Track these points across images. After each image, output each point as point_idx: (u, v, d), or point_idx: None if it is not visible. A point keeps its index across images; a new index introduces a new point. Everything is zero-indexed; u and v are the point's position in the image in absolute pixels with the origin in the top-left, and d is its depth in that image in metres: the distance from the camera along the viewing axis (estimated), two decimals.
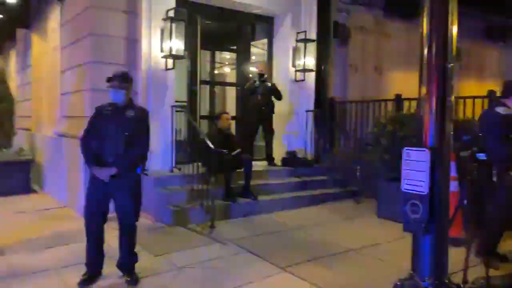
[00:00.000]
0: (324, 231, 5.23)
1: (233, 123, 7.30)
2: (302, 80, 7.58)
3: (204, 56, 8.01)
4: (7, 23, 8.91)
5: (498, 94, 4.43)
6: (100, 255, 3.58)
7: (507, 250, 4.19)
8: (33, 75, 8.68)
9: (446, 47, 2.43)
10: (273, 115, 7.21)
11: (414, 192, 2.37)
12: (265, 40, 8.22)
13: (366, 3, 9.00)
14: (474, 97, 5.96)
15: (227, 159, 5.56)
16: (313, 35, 7.59)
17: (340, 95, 8.48)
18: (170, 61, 6.05)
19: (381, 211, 5.87)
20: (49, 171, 7.19)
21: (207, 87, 8.36)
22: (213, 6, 6.99)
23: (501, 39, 11.33)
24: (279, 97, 7.13)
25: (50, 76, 7.39)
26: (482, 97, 5.83)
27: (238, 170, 6.00)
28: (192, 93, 7.05)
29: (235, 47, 8.45)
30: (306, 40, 7.38)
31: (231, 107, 8.65)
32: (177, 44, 5.87)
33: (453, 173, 4.05)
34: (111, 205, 3.61)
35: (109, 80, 3.53)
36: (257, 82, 7.12)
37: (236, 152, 5.81)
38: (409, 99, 6.67)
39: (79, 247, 4.02)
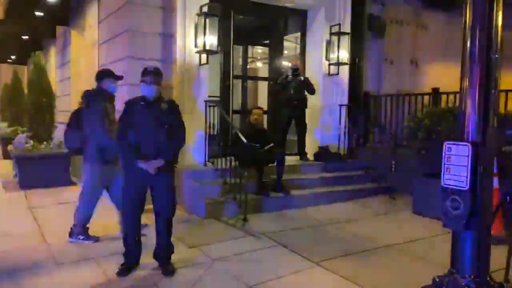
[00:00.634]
0: (357, 227, 5.17)
1: (265, 118, 7.30)
2: (336, 74, 7.49)
3: (236, 51, 8.04)
4: (48, 21, 9.23)
5: None
6: (138, 245, 3.68)
7: None
8: (72, 70, 8.97)
9: (490, 37, 2.33)
10: (306, 109, 7.16)
11: (454, 187, 2.30)
12: (298, 34, 8.17)
13: None
14: None
15: (259, 153, 5.59)
16: (347, 28, 7.48)
17: (375, 89, 8.32)
18: (203, 56, 6.11)
19: (417, 207, 5.75)
20: None
21: (240, 81, 8.40)
22: (246, 0, 7.00)
23: None
24: (312, 91, 7.07)
25: (88, 72, 7.60)
26: None
27: (270, 164, 6.01)
28: (225, 88, 7.11)
29: (267, 41, 8.45)
30: (340, 33, 7.28)
31: (263, 102, 8.66)
32: (211, 39, 5.91)
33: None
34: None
35: (142, 75, 3.59)
36: (290, 77, 7.08)
37: (268, 146, 5.82)
38: (447, 93, 6.48)
39: (117, 238, 4.14)
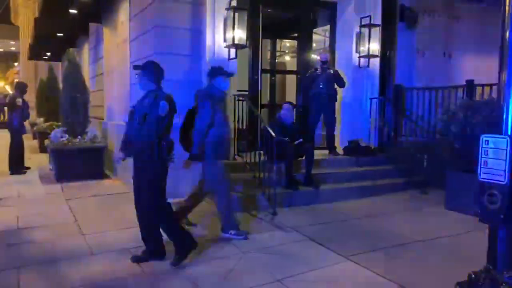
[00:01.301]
0: (388, 222, 5.10)
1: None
2: (366, 67, 7.38)
3: (265, 45, 8.03)
4: (81, 18, 9.46)
5: None
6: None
7: None
8: (104, 66, 9.19)
9: None
10: (335, 103, 7.10)
11: (492, 181, 2.24)
12: (327, 27, 8.10)
13: None
14: None
15: (288, 147, 5.58)
16: (377, 19, 7.35)
17: (406, 82, 8.15)
18: (232, 51, 6.13)
19: (450, 203, 5.62)
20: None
21: (268, 75, 8.40)
22: None
23: None
24: (342, 84, 7.00)
25: (121, 68, 7.78)
26: None
27: (299, 158, 6.00)
28: (253, 82, 7.12)
29: (296, 35, 8.40)
30: (370, 25, 7.17)
31: (291, 96, 8.63)
32: (240, 34, 5.93)
33: None
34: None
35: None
36: (319, 70, 7.03)
37: (298, 141, 5.81)
38: (483, 85, 6.28)
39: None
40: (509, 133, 2.29)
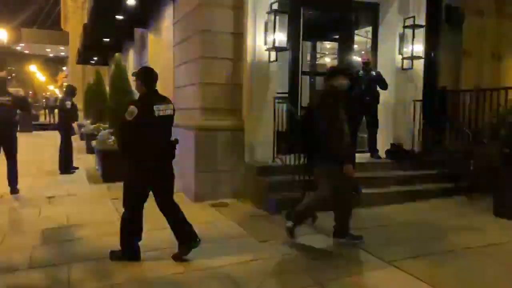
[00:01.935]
0: (431, 228, 4.96)
1: None
2: (410, 69, 7.20)
3: (305, 47, 8.01)
4: (127, 24, 9.81)
5: None
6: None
7: None
8: None
9: None
10: (377, 105, 6.98)
11: None
12: (369, 28, 7.97)
13: None
14: None
15: None
16: (422, 20, 7.16)
17: (452, 84, 7.89)
18: (273, 54, 6.17)
19: (498, 209, 5.39)
20: None
21: (308, 77, 8.36)
22: None
23: None
24: (384, 86, 6.88)
25: (165, 72, 7.98)
26: None
27: None
28: (293, 84, 7.11)
29: (337, 36, 8.32)
30: (414, 26, 6.99)
31: None
32: (280, 36, 5.96)
33: None
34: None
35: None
36: (361, 72, 6.94)
37: None
38: None
39: (194, 228, 4.30)
40: None
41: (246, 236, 4.54)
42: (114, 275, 3.54)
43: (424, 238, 4.55)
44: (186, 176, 6.37)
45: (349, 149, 4.13)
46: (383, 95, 7.00)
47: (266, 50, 6.16)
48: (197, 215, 5.33)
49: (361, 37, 9.38)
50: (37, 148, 12.63)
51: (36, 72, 53.15)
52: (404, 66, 7.21)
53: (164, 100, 3.80)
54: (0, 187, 6.52)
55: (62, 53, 34.15)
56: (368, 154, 7.01)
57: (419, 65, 7.30)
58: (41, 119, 27.67)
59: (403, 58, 7.19)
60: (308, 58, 9.23)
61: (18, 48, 33.95)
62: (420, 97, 7.28)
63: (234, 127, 6.17)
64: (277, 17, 5.92)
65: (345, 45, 7.87)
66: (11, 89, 8.51)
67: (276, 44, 5.96)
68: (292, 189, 5.62)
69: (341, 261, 3.89)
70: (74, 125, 9.42)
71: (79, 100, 13.65)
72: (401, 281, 3.48)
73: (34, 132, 18.55)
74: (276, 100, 6.15)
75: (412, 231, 4.84)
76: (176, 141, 3.94)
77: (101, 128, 10.23)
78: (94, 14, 9.43)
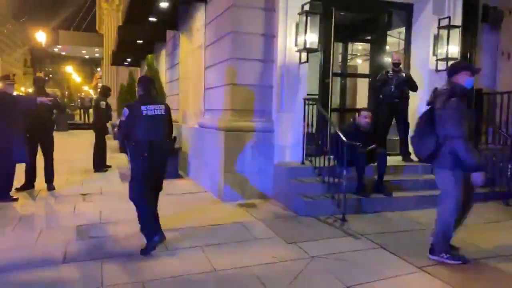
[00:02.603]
0: (465, 233, 4.77)
1: None
2: (444, 70, 7.00)
3: (336, 48, 7.94)
4: (159, 25, 10.00)
5: None
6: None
7: None
8: (180, 72, 9.61)
9: None
10: (408, 107, 6.84)
11: None
12: (402, 29, 7.83)
13: None
14: None
15: (360, 153, 5.47)
16: (457, 20, 6.97)
17: (488, 86, 7.65)
18: (304, 55, 6.15)
19: None
20: (193, 159, 7.92)
21: (339, 79, 8.28)
22: None
23: None
24: (414, 88, 6.75)
25: (195, 73, 8.10)
26: None
27: (371, 164, 5.85)
28: (324, 86, 7.06)
29: (369, 37, 8.21)
30: (449, 27, 6.81)
31: (363, 100, 8.44)
32: (312, 37, 5.93)
33: None
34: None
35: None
36: (391, 73, 6.82)
37: (371, 147, 5.67)
38: None
39: (222, 228, 4.36)
40: None
41: (274, 237, 4.54)
42: (145, 271, 3.61)
43: (456, 244, 4.41)
44: (215, 176, 6.43)
45: (480, 155, 3.71)
46: (416, 96, 6.85)
47: (296, 51, 6.15)
48: (225, 215, 5.39)
49: (394, 38, 9.22)
50: (72, 147, 13.05)
51: (72, 73, 54.98)
52: (439, 68, 7.04)
53: (154, 102, 4.26)
54: (37, 184, 6.76)
55: (97, 55, 35.08)
56: (399, 157, 6.88)
57: None
58: (76, 119, 28.57)
59: (437, 60, 7.02)
60: (340, 59, 9.15)
61: (56, 50, 35.16)
62: None
63: (264, 128, 6.19)
64: (309, 18, 5.89)
65: (377, 46, 7.75)
66: (48, 90, 8.83)
67: (307, 45, 5.94)
68: (322, 192, 5.60)
69: (369, 264, 3.83)
70: (108, 124, 9.66)
71: (112, 101, 14.03)
72: (433, 287, 3.40)
73: (69, 131, 19.16)
74: (306, 102, 6.12)
75: None
76: (175, 138, 4.44)
77: None
78: (128, 16, 9.65)
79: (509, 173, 6.10)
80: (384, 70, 7.05)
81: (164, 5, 8.32)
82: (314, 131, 6.29)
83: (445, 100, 3.70)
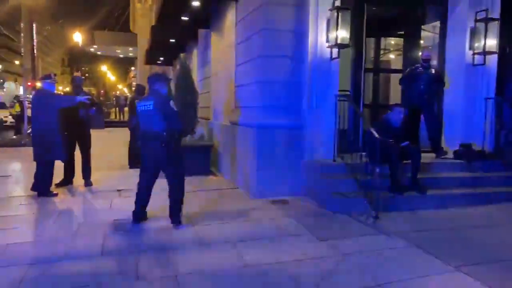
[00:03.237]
0: (502, 233, 4.67)
1: None
2: (481, 64, 6.80)
3: (368, 43, 7.82)
4: (191, 24, 10.13)
5: None
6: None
7: None
8: (212, 70, 9.73)
9: None
10: (436, 104, 6.71)
11: None
12: (437, 23, 7.63)
13: None
14: None
15: (393, 149, 5.39)
16: (496, 13, 6.73)
17: None
18: (335, 51, 6.10)
19: None
20: (224, 156, 8.01)
21: (371, 75, 8.16)
22: None
23: None
24: (442, 85, 6.62)
25: (227, 71, 8.18)
26: None
27: (405, 161, 5.75)
28: (356, 82, 6.98)
29: (402, 32, 8.04)
30: (487, 19, 6.59)
31: (395, 95, 8.29)
32: (343, 33, 5.87)
33: None
34: None
35: None
36: (420, 68, 6.68)
37: (405, 143, 5.58)
38: None
39: (254, 224, 4.40)
40: None
41: (306, 233, 4.55)
42: (178, 265, 3.70)
43: (496, 244, 4.30)
44: (247, 173, 6.48)
45: None
46: (451, 92, 6.69)
47: (328, 47, 6.11)
48: (257, 211, 5.43)
49: (428, 32, 8.99)
50: (108, 144, 13.42)
51: (107, 72, 56.47)
52: (475, 62, 6.83)
53: (144, 99, 4.93)
54: (75, 180, 7.02)
55: (131, 54, 35.94)
56: (433, 154, 6.73)
57: (492, 60, 6.88)
58: (112, 117, 29.35)
59: (474, 54, 6.81)
60: (372, 54, 9.00)
61: (91, 49, 36.26)
62: (493, 95, 6.86)
63: (295, 125, 6.18)
64: (340, 14, 5.84)
65: (411, 41, 7.60)
66: (85, 89, 9.11)
67: (339, 41, 5.89)
68: (354, 189, 5.55)
69: (402, 263, 3.78)
70: None
71: None
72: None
73: (106, 129, 19.71)
74: (338, 98, 6.08)
75: (482, 235, 4.59)
76: (189, 131, 5.29)
77: None
78: (161, 16, 9.82)
79: None
80: (414, 66, 6.90)
81: (196, 4, 8.43)
82: (345, 127, 6.24)
83: None
